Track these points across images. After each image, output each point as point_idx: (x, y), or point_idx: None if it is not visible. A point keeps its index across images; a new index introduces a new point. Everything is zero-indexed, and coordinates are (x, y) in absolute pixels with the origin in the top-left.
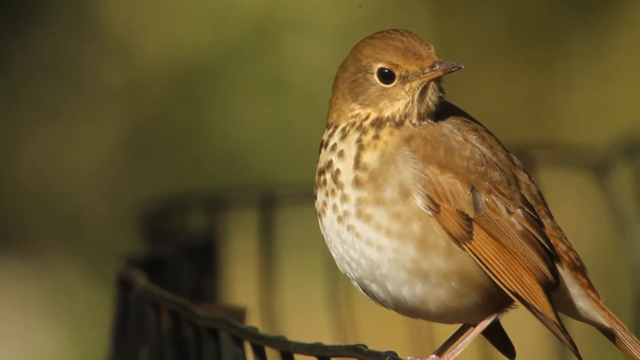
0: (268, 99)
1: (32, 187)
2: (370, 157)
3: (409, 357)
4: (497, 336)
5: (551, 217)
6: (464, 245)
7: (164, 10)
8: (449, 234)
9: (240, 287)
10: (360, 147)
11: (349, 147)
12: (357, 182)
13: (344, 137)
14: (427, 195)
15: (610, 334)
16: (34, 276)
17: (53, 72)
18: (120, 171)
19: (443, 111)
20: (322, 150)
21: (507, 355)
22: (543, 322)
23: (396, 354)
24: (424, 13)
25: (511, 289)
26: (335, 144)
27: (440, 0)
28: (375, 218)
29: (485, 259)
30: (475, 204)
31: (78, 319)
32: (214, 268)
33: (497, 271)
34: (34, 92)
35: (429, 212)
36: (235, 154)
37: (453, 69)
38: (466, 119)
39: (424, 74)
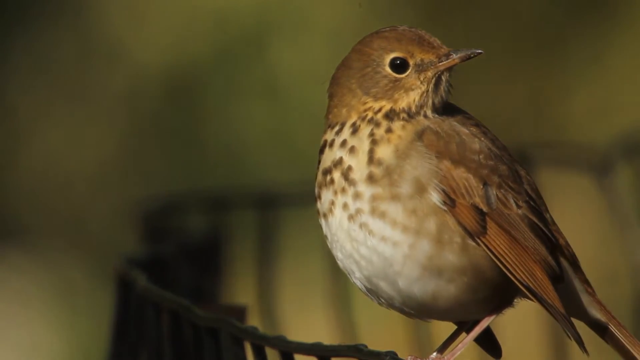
0: (264, 101)
1: (33, 185)
2: (384, 152)
3: (409, 357)
4: (483, 337)
5: (548, 212)
6: (479, 240)
7: (161, 15)
8: (465, 229)
9: (240, 287)
10: (374, 142)
11: (361, 142)
12: (371, 178)
13: (354, 132)
14: (443, 190)
15: (604, 330)
16: (35, 272)
17: (54, 74)
18: (120, 171)
19: (446, 108)
20: (327, 150)
21: (493, 355)
22: (553, 315)
23: (396, 354)
24: (422, 15)
25: (524, 282)
26: (345, 141)
27: (439, 1)
28: (390, 214)
29: (500, 253)
30: (487, 198)
31: (78, 316)
32: (214, 268)
33: (510, 265)
34: (35, 93)
35: (445, 208)
36: (233, 154)
37: (471, 55)
38: (467, 116)
39: (439, 62)
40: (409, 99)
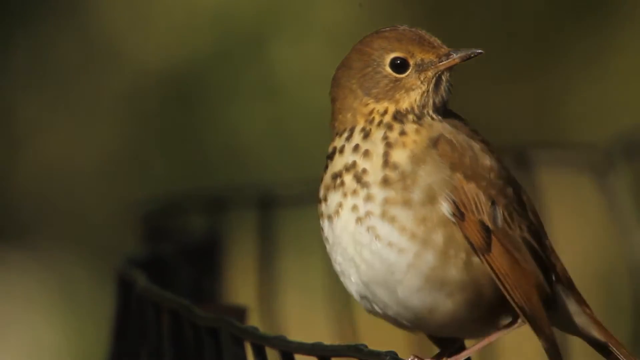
0: (264, 101)
1: (33, 186)
2: (400, 156)
3: (411, 356)
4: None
5: (547, 237)
6: (483, 257)
7: (161, 16)
8: (471, 244)
9: (241, 287)
10: (388, 145)
11: (375, 146)
12: (386, 182)
13: (366, 136)
14: (454, 202)
15: (604, 349)
16: (36, 272)
17: (53, 74)
18: (120, 171)
19: (449, 117)
20: (337, 156)
21: None
22: (542, 341)
23: (396, 354)
24: (421, 14)
25: (520, 304)
26: (357, 145)
27: (439, 1)
28: (400, 220)
29: (501, 272)
30: (494, 217)
31: (79, 316)
32: (214, 268)
33: (510, 285)
34: (35, 93)
35: (454, 220)
36: (233, 154)
37: (472, 55)
38: (474, 129)
39: (440, 62)
40: (410, 99)
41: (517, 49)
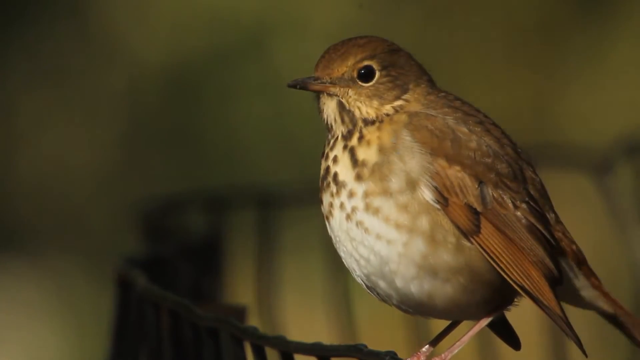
0: (265, 100)
1: (32, 187)
2: (367, 154)
3: (426, 345)
4: (501, 328)
5: (554, 211)
6: (472, 239)
7: (161, 14)
8: (458, 227)
9: (240, 287)
10: (352, 149)
11: (340, 152)
12: (360, 177)
13: (333, 146)
14: (436, 188)
15: (614, 320)
16: (35, 276)
17: (53, 73)
18: (120, 171)
19: (447, 105)
20: (323, 160)
21: (512, 346)
22: (549, 316)
23: (396, 354)
24: (421, 15)
25: (518, 282)
26: (327, 153)
27: (439, 2)
28: (383, 210)
29: (493, 253)
30: (482, 197)
31: (79, 318)
32: (214, 268)
33: (504, 265)
34: (34, 93)
35: (438, 206)
36: (233, 154)
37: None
38: (471, 112)
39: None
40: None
41: (517, 49)
